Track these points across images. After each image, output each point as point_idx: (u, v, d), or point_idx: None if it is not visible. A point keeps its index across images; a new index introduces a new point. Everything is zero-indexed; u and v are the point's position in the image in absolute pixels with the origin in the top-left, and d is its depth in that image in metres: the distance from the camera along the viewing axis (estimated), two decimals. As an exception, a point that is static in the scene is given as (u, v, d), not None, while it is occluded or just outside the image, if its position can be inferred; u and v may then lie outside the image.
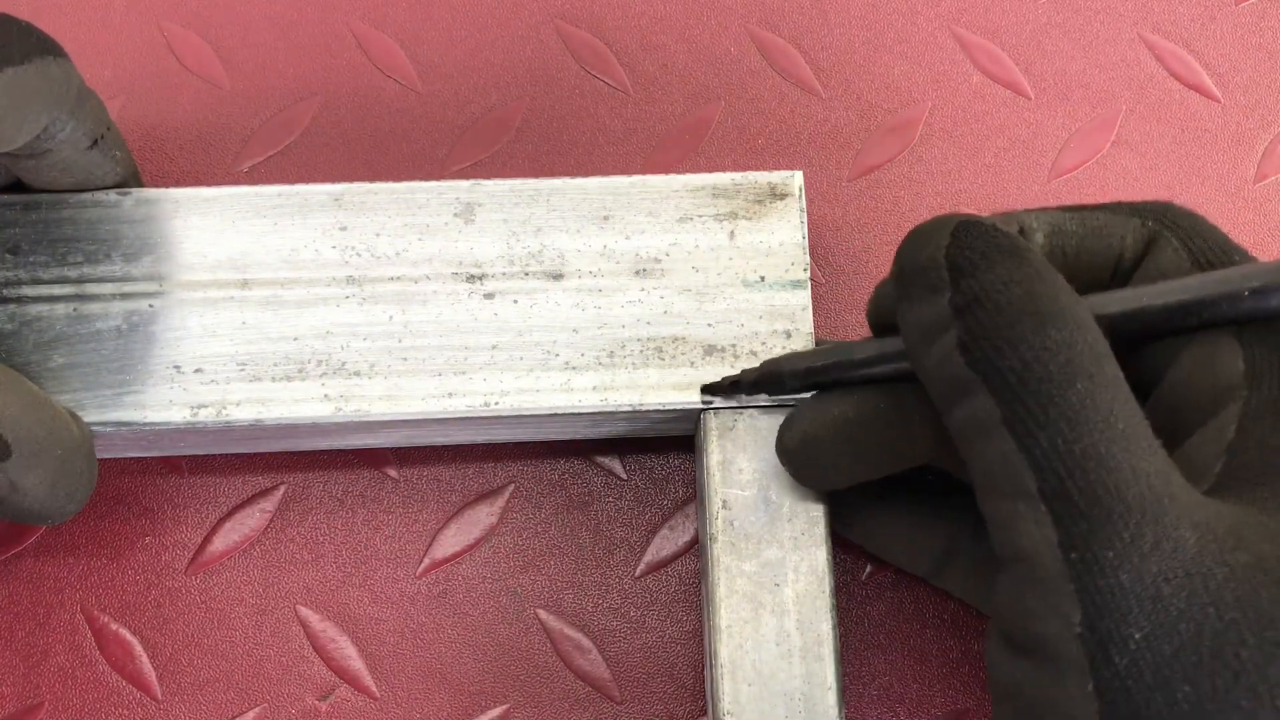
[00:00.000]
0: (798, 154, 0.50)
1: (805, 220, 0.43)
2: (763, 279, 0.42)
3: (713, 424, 0.41)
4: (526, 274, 0.42)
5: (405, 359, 0.41)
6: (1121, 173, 0.50)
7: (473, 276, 0.42)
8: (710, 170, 0.49)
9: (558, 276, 0.42)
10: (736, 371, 0.41)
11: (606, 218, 0.43)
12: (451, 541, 0.45)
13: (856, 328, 0.47)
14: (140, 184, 0.43)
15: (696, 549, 0.45)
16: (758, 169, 0.48)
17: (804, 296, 0.42)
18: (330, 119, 0.50)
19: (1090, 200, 0.49)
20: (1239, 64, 0.51)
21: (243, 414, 0.40)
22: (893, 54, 0.51)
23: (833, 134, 0.50)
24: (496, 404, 0.41)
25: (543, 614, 0.44)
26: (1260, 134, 0.50)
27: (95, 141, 0.40)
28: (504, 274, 0.42)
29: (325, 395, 0.41)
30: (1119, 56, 0.51)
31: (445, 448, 0.46)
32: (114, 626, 0.44)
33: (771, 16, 0.51)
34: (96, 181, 0.42)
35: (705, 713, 0.43)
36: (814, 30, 0.51)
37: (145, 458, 0.46)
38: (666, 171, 0.49)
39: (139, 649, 0.44)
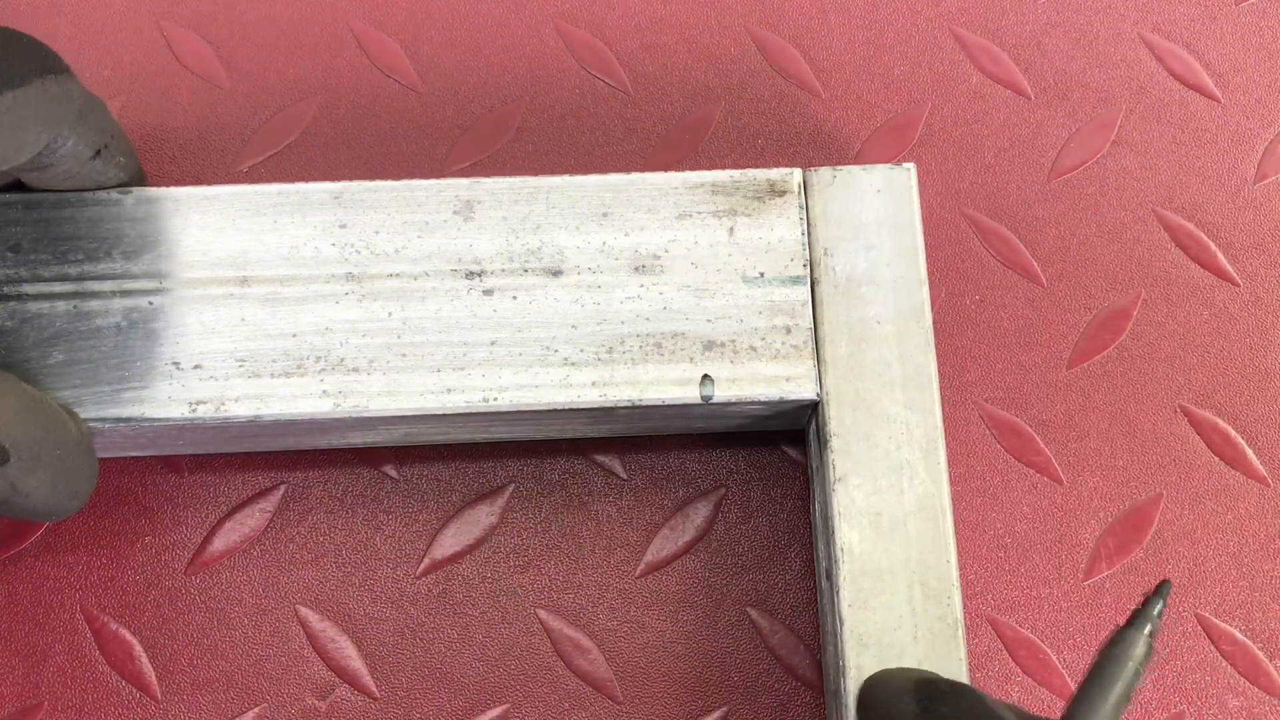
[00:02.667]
0: (798, 154, 0.50)
1: (805, 217, 0.43)
2: (762, 275, 0.42)
3: (813, 180, 0.43)
4: (525, 270, 0.42)
5: (404, 355, 0.41)
6: (1121, 173, 0.50)
7: (472, 273, 0.42)
8: (710, 170, 0.49)
9: (557, 273, 0.42)
10: (736, 367, 0.41)
11: (605, 214, 0.43)
12: (451, 541, 0.45)
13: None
14: (144, 184, 0.43)
15: (696, 548, 0.45)
16: (757, 168, 0.48)
17: (803, 292, 0.42)
18: (330, 119, 0.50)
19: (1093, 205, 0.49)
20: (1239, 64, 0.51)
21: (241, 410, 0.40)
22: (893, 54, 0.51)
23: (833, 134, 0.50)
24: (495, 400, 0.41)
25: (543, 614, 0.44)
26: (1260, 134, 0.50)
27: (98, 152, 0.40)
28: (503, 270, 0.42)
29: (324, 391, 0.41)
30: (1119, 56, 0.52)
31: (445, 447, 0.46)
32: (114, 626, 0.44)
33: (771, 16, 0.52)
34: (100, 186, 0.42)
35: (706, 711, 0.43)
36: (814, 30, 0.51)
37: (145, 458, 0.45)
38: (666, 171, 0.49)
39: (139, 649, 0.44)
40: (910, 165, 0.43)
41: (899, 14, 0.52)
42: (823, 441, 0.41)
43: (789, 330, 0.42)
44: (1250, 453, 0.46)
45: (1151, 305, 0.48)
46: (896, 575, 0.39)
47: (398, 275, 0.42)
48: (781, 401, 0.41)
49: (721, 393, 0.41)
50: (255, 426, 0.41)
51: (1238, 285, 0.48)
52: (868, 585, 0.39)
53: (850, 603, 0.39)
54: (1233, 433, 0.46)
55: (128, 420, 0.40)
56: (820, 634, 0.43)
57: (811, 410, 0.42)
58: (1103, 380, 0.47)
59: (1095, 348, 0.47)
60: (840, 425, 0.41)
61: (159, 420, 0.40)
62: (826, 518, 0.41)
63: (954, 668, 0.38)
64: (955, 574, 0.39)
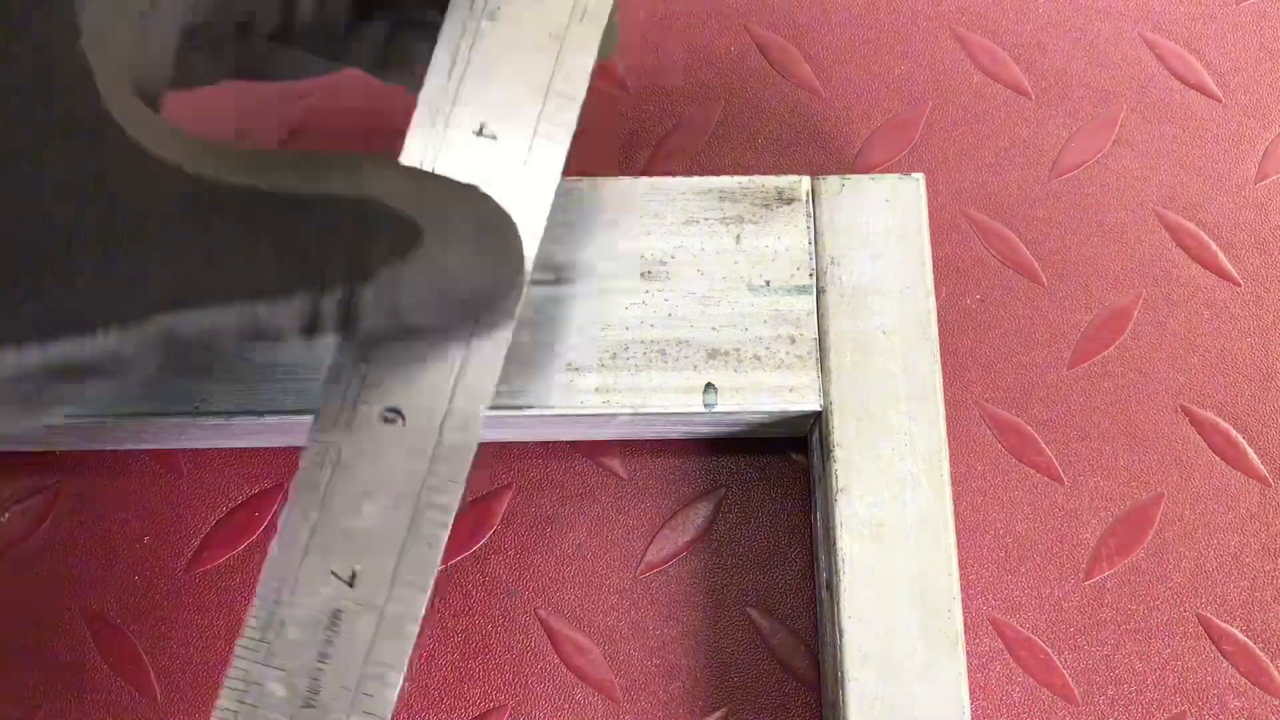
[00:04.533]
0: (798, 154, 0.49)
1: (813, 225, 0.43)
2: (768, 283, 0.42)
3: (821, 188, 0.43)
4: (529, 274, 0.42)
5: (408, 360, 0.41)
6: (1122, 172, 0.50)
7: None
8: (710, 170, 0.49)
9: (563, 277, 0.42)
10: (740, 376, 0.41)
11: (612, 219, 0.43)
12: (452, 541, 0.45)
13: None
14: None
15: (696, 548, 0.45)
16: (758, 169, 0.48)
17: (808, 302, 0.42)
18: (330, 119, 0.49)
19: (1093, 205, 0.49)
20: (1240, 63, 0.51)
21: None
22: (893, 54, 0.51)
23: (833, 134, 0.50)
24: (498, 405, 0.41)
25: (543, 614, 0.44)
26: (1261, 133, 0.50)
27: None
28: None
29: (328, 396, 0.40)
30: (1120, 56, 0.51)
31: (444, 448, 0.46)
32: (114, 626, 0.44)
33: (772, 16, 0.51)
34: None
35: (706, 711, 0.43)
36: (814, 30, 0.51)
37: (145, 458, 0.45)
38: (667, 172, 0.49)
39: (139, 649, 0.44)
40: (919, 175, 0.43)
41: (899, 14, 0.52)
42: (826, 451, 0.41)
43: (793, 340, 0.41)
44: (1251, 453, 0.46)
45: (1152, 305, 0.48)
46: (897, 588, 0.39)
47: None
48: (784, 412, 0.41)
49: (725, 402, 0.41)
50: (258, 425, 0.41)
51: (1239, 285, 0.48)
52: (868, 597, 0.39)
53: (850, 614, 0.39)
54: (1234, 433, 0.46)
55: (134, 415, 0.40)
56: (819, 644, 0.43)
57: (815, 419, 0.42)
58: (1103, 380, 0.47)
59: (1096, 348, 0.47)
60: (843, 435, 0.41)
61: (161, 420, 0.40)
62: (828, 528, 0.41)
63: (953, 681, 0.38)
64: (956, 587, 0.39)
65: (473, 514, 0.45)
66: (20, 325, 0.24)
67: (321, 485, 0.33)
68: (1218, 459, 0.46)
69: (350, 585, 0.32)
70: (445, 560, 0.45)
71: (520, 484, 0.46)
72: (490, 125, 0.34)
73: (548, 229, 0.42)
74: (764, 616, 0.44)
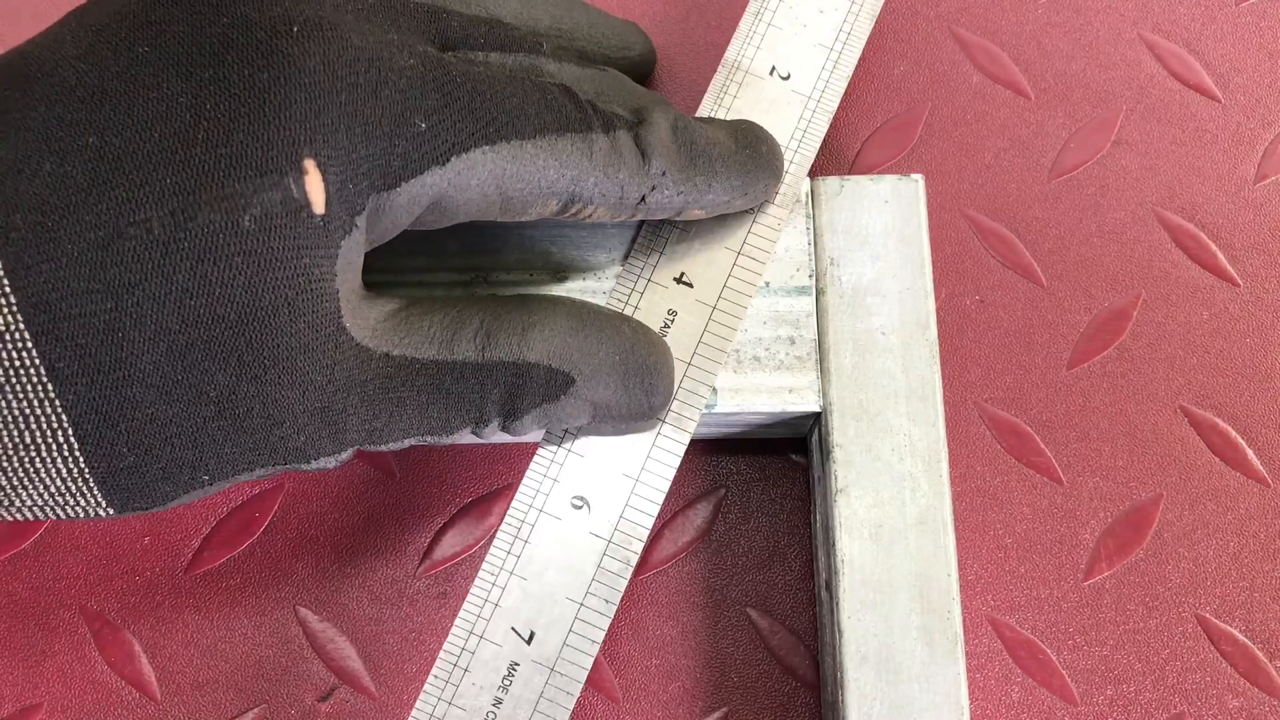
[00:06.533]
0: (798, 154, 0.49)
1: (812, 226, 0.43)
2: (767, 284, 0.42)
3: (820, 189, 0.43)
4: (530, 274, 0.42)
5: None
6: (1122, 173, 0.50)
7: (476, 276, 0.42)
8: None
9: (561, 277, 0.42)
10: (739, 377, 0.41)
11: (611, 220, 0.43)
12: (451, 541, 0.45)
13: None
14: None
15: (696, 548, 0.45)
16: (758, 169, 0.48)
17: (808, 303, 0.42)
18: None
19: (1093, 205, 0.49)
20: (1239, 64, 0.51)
21: None
22: (893, 54, 0.51)
23: (833, 134, 0.50)
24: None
25: (543, 614, 0.44)
26: (1261, 134, 0.50)
27: None
28: (507, 273, 0.42)
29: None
30: (1119, 56, 0.51)
31: (445, 448, 0.46)
32: (114, 626, 0.44)
33: (772, 16, 0.51)
34: None
35: (706, 711, 0.43)
36: (814, 30, 0.51)
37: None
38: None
39: (139, 649, 0.44)
40: (918, 176, 0.43)
41: (899, 14, 0.52)
42: (825, 452, 0.41)
43: (793, 341, 0.41)
44: (1250, 453, 0.46)
45: (1151, 305, 0.48)
46: (897, 588, 0.39)
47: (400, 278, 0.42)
48: (784, 413, 0.41)
49: (724, 403, 0.41)
50: None
51: (1238, 285, 0.48)
52: (868, 598, 0.39)
53: (850, 615, 0.39)
54: (1233, 433, 0.46)
55: None
56: (819, 644, 0.43)
57: (814, 419, 0.42)
58: (1103, 380, 0.47)
59: (1095, 348, 0.47)
60: (843, 436, 0.40)
61: None
62: (828, 529, 0.41)
63: (952, 681, 0.38)
64: (956, 588, 0.39)
65: (474, 513, 0.45)
66: (270, 455, 0.35)
67: (511, 553, 0.39)
68: (1217, 459, 0.46)
69: (528, 643, 0.38)
70: (445, 559, 0.45)
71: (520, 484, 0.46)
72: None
73: (548, 229, 0.43)
74: (764, 616, 0.44)
